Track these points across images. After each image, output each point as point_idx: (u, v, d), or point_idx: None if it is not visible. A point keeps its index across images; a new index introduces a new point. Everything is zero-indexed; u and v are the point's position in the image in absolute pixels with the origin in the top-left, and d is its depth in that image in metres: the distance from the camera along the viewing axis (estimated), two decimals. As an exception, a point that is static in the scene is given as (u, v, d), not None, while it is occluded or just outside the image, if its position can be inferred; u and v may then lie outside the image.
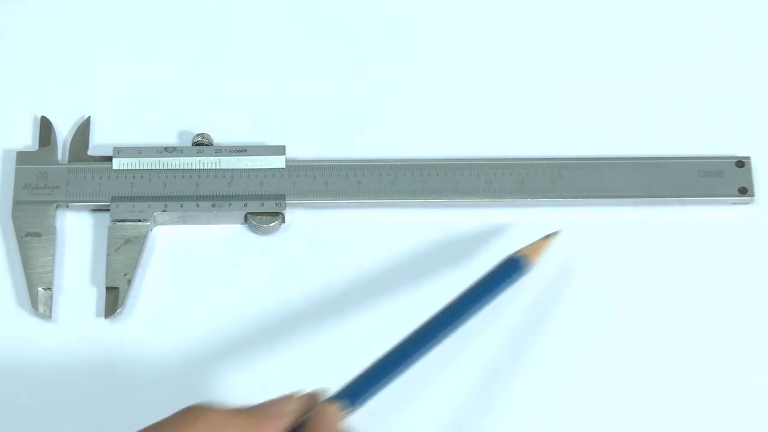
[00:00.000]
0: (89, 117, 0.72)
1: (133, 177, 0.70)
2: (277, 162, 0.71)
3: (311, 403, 0.56)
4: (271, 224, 0.69)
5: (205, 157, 0.70)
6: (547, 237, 0.67)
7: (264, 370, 0.67)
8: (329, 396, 0.57)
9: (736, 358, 0.68)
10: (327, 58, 0.75)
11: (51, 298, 0.68)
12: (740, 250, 0.71)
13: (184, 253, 0.70)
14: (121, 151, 0.70)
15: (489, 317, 0.69)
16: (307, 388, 0.66)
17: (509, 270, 0.64)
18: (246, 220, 0.70)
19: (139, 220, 0.69)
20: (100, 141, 0.72)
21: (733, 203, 0.72)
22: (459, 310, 0.62)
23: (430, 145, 0.72)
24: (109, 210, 0.69)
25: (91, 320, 0.68)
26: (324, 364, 0.67)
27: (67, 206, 0.70)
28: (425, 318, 0.62)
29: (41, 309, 0.67)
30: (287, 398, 0.55)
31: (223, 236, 0.70)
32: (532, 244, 0.66)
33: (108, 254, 0.68)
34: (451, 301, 0.62)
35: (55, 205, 0.69)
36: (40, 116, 0.72)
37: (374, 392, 0.58)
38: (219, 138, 0.72)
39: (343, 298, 0.69)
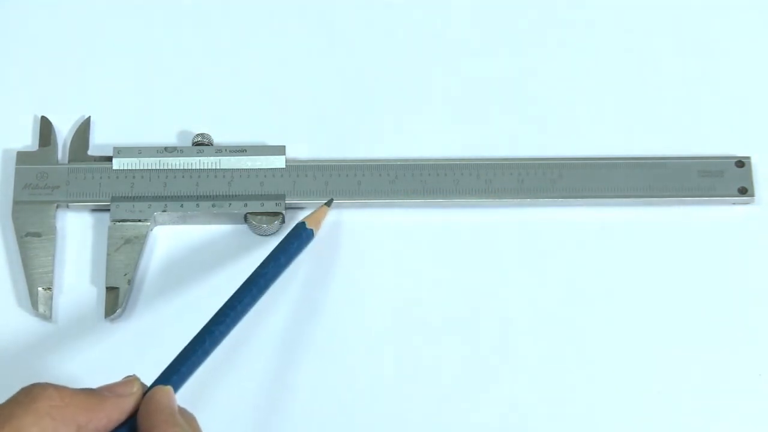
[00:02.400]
0: (89, 117, 0.72)
1: (133, 177, 0.70)
2: (277, 162, 0.71)
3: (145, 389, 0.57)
4: (271, 224, 0.69)
5: (205, 157, 0.70)
6: (324, 205, 0.69)
7: (264, 370, 0.67)
8: (153, 381, 0.58)
9: (736, 358, 0.68)
10: (327, 59, 0.75)
11: (51, 298, 0.68)
12: (740, 250, 0.71)
13: (184, 253, 0.70)
14: (121, 151, 0.70)
15: (485, 314, 0.69)
16: (302, 385, 0.66)
17: (300, 237, 0.66)
18: (246, 220, 0.70)
19: (139, 220, 0.69)
20: (100, 141, 0.72)
21: (733, 203, 0.72)
22: (259, 280, 0.64)
23: (430, 145, 0.72)
24: (109, 210, 0.69)
25: (91, 320, 0.68)
26: (324, 362, 0.67)
27: (67, 206, 0.70)
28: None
29: (41, 309, 0.67)
30: (130, 380, 0.57)
31: (223, 236, 0.70)
32: (312, 214, 0.68)
33: (108, 254, 0.68)
34: (251, 274, 0.64)
35: (55, 205, 0.69)
36: (40, 116, 0.72)
37: (191, 371, 0.59)
38: (219, 138, 0.72)
39: (343, 298, 0.69)
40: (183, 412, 0.57)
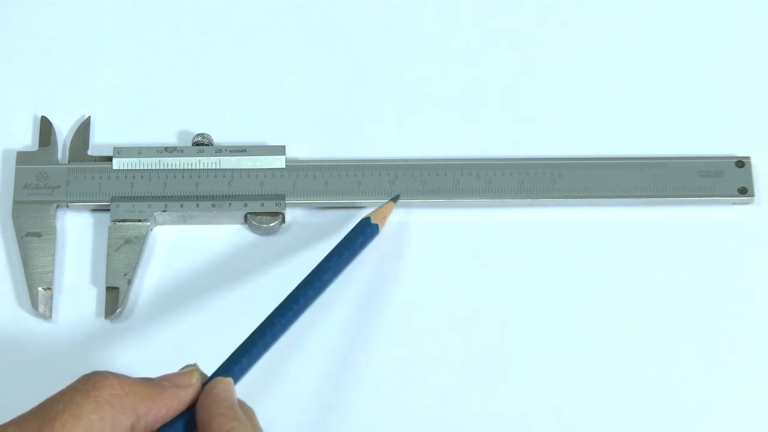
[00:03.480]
0: (89, 117, 0.72)
1: (133, 177, 0.70)
2: (277, 162, 0.71)
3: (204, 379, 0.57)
4: (271, 224, 0.69)
5: (205, 157, 0.70)
6: (390, 201, 0.69)
7: (264, 370, 0.67)
8: (213, 372, 0.58)
9: (736, 358, 0.68)
10: (326, 58, 0.75)
11: (51, 298, 0.68)
12: (740, 250, 0.71)
13: (184, 253, 0.70)
14: (121, 151, 0.70)
15: (484, 314, 0.69)
16: (307, 383, 0.66)
17: (365, 233, 0.67)
18: (246, 220, 0.70)
19: (139, 220, 0.69)
20: (100, 141, 0.72)
21: (733, 203, 0.72)
22: (322, 275, 0.64)
23: (430, 145, 0.72)
24: (109, 210, 0.69)
25: (91, 320, 0.68)
26: (325, 363, 0.67)
27: (67, 206, 0.70)
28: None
29: (41, 309, 0.67)
30: (190, 371, 0.57)
31: (223, 236, 0.70)
32: (377, 210, 0.68)
33: (108, 254, 0.68)
34: (314, 268, 0.64)
35: (55, 205, 0.69)
36: (40, 116, 0.72)
37: (251, 363, 0.59)
38: (219, 138, 0.72)
39: (343, 298, 0.69)
40: (242, 404, 0.56)
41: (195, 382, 0.56)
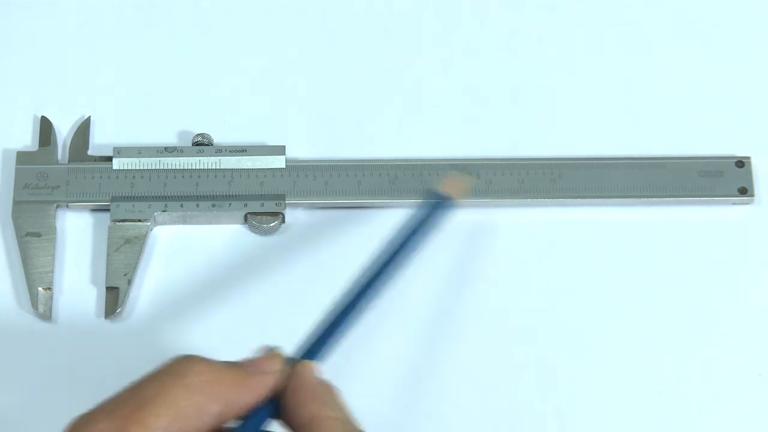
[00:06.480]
0: (89, 117, 0.72)
1: (133, 177, 0.70)
2: (277, 162, 0.71)
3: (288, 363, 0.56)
4: (271, 224, 0.70)
5: (205, 157, 0.70)
6: (462, 174, 0.68)
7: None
8: (295, 355, 0.57)
9: (736, 358, 0.68)
10: (326, 59, 0.75)
11: (51, 298, 0.68)
12: (740, 250, 0.71)
13: (184, 253, 0.70)
14: (121, 151, 0.70)
15: (484, 314, 0.69)
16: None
17: (437, 205, 0.64)
18: (246, 220, 0.70)
19: (139, 220, 0.69)
20: (100, 141, 0.72)
21: (733, 203, 0.72)
22: (396, 251, 0.61)
23: (430, 145, 0.72)
24: (109, 210, 0.69)
25: (91, 320, 0.68)
26: (324, 364, 0.67)
27: (67, 206, 0.70)
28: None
29: (41, 309, 0.67)
30: (274, 356, 0.55)
31: (223, 236, 0.70)
32: (448, 181, 0.66)
33: (108, 254, 0.68)
34: (386, 244, 0.62)
35: (55, 205, 0.69)
36: (40, 116, 0.72)
37: (333, 346, 0.58)
38: (219, 138, 0.72)
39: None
40: (327, 384, 0.55)
41: (278, 369, 0.55)
